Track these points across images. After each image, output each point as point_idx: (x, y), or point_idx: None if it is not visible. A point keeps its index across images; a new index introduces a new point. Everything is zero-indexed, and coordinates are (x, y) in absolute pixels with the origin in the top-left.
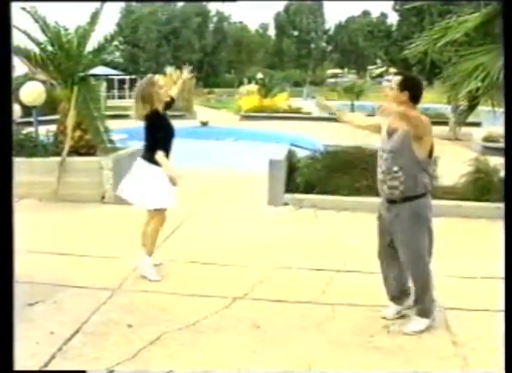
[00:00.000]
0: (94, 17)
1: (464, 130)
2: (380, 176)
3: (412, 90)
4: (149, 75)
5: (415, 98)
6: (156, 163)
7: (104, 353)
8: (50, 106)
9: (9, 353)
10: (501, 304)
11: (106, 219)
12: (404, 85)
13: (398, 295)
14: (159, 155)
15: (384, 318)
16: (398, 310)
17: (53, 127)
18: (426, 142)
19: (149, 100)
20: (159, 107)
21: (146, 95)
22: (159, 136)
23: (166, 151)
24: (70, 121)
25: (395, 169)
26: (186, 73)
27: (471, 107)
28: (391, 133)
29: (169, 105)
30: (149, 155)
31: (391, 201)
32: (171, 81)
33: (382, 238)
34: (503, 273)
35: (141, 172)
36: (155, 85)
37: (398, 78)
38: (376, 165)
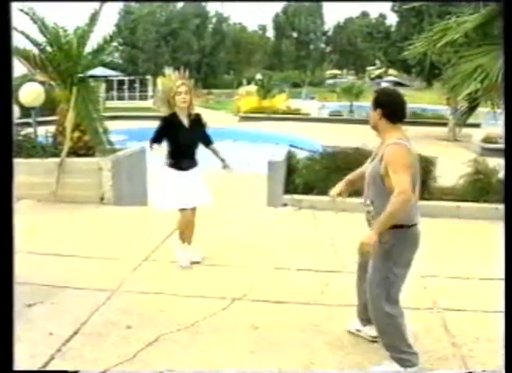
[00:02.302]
0: (93, 18)
1: (464, 131)
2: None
3: (384, 107)
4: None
5: (390, 115)
6: (169, 165)
7: (103, 354)
8: (49, 107)
9: (9, 354)
10: (499, 305)
11: (105, 220)
12: (376, 103)
13: (364, 318)
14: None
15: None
16: (359, 329)
17: (52, 128)
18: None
19: (165, 103)
20: (179, 113)
21: (164, 98)
22: (162, 138)
23: (179, 155)
24: (69, 122)
25: (368, 201)
26: None
27: (471, 109)
28: (373, 157)
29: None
30: (165, 157)
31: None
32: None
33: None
34: (501, 275)
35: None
36: (171, 91)
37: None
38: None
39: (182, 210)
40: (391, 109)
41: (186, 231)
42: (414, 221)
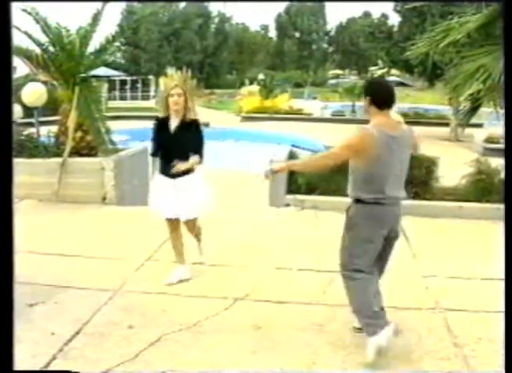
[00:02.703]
0: (96, 18)
1: (466, 131)
2: None
3: (372, 95)
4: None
5: (377, 103)
6: (158, 171)
7: (105, 354)
8: (52, 106)
9: (9, 354)
10: (501, 305)
11: (107, 220)
12: (365, 92)
13: None
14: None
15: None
16: None
17: (54, 128)
18: (364, 155)
19: (161, 106)
20: (172, 116)
21: (159, 100)
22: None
23: (165, 161)
24: (71, 122)
25: (349, 189)
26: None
27: (473, 109)
28: None
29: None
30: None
31: None
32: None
33: None
34: (503, 275)
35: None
36: (164, 92)
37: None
38: None
39: (166, 219)
40: (378, 96)
41: (176, 244)
42: (376, 199)
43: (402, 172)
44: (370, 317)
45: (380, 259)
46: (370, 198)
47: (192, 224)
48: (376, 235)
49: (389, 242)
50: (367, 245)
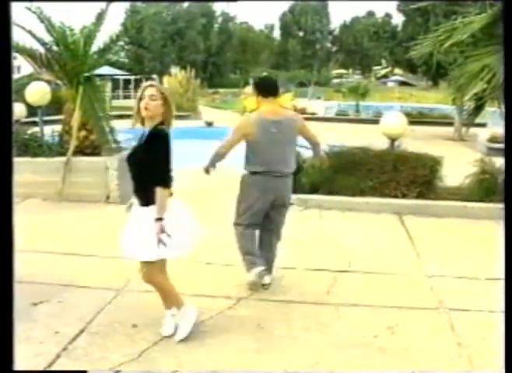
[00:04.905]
0: (100, 17)
1: (470, 130)
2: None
3: (258, 87)
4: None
5: (263, 92)
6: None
7: (109, 353)
8: (56, 106)
9: (9, 353)
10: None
11: (111, 219)
12: (254, 87)
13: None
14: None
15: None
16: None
17: (58, 127)
18: (248, 136)
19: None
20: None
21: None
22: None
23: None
24: (75, 121)
25: None
26: None
27: (478, 108)
28: None
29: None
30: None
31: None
32: (176, 82)
33: None
34: None
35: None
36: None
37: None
38: (380, 165)
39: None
40: (263, 87)
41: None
42: (260, 171)
43: (286, 151)
44: (246, 254)
45: (269, 220)
46: (256, 170)
47: None
48: (258, 199)
49: (276, 207)
50: (248, 205)
